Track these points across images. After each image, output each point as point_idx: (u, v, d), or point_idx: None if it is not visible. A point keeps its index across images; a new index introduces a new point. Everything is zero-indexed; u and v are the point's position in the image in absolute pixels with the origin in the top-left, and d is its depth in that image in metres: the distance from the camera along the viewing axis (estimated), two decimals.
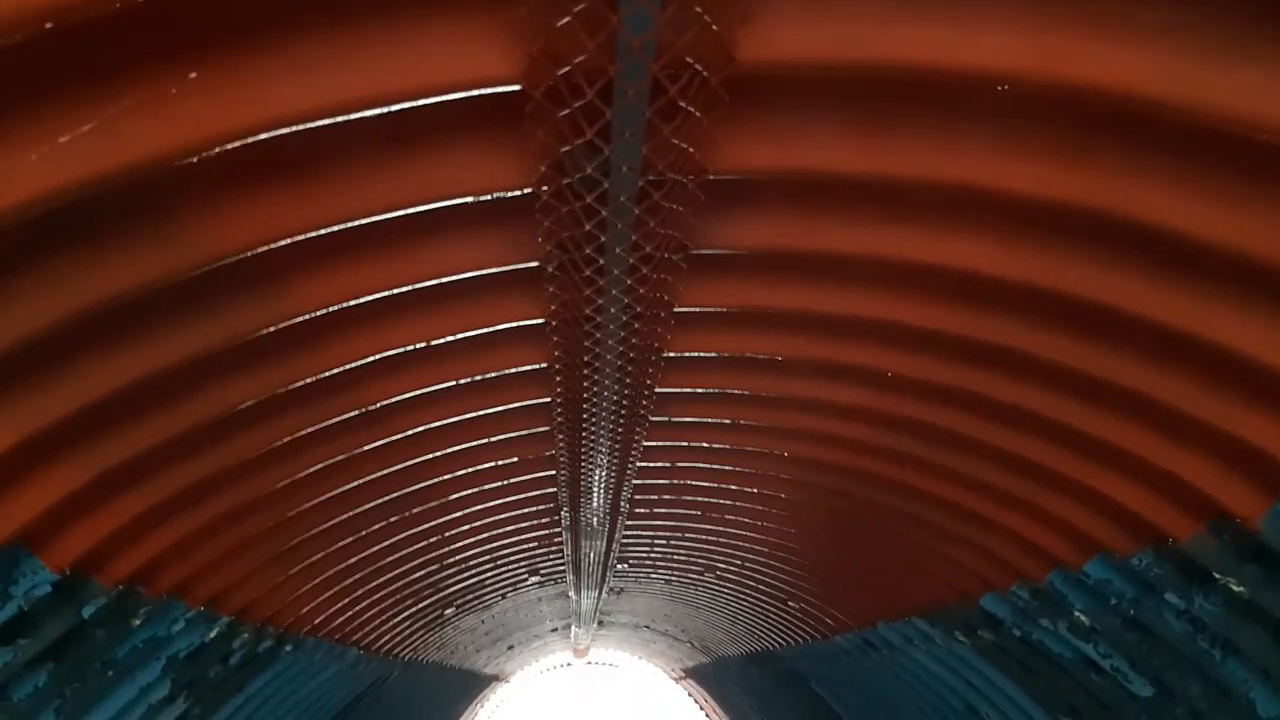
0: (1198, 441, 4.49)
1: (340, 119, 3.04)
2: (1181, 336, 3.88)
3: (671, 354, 5.45)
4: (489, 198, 3.70)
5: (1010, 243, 3.87)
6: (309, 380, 4.83)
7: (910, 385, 5.32)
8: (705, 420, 6.76)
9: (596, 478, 7.46)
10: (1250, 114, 2.88)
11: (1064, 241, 3.78)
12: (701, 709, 28.59)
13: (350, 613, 9.36)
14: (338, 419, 5.43)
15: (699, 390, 6.14)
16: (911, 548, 7.67)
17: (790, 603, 11.49)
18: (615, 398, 5.71)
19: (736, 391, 6.13)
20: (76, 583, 5.09)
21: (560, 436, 6.67)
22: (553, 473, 7.69)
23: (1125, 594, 5.82)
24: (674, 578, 12.90)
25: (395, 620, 10.93)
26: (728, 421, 6.74)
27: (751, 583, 11.51)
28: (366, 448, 6.00)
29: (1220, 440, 4.34)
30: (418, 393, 5.48)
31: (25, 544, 4.56)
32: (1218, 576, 5.00)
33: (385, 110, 3.06)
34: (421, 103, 3.08)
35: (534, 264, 4.30)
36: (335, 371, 4.85)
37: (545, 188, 3.58)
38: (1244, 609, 5.04)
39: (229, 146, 2.99)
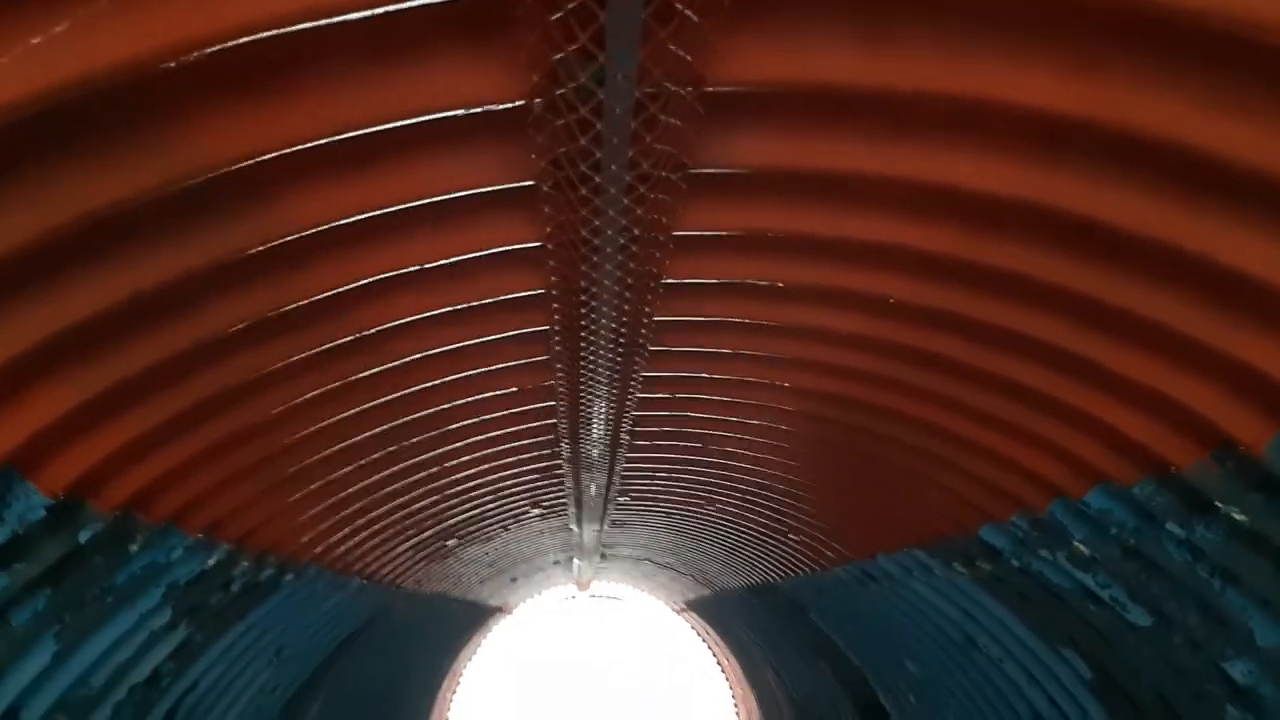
0: (1203, 367, 4.41)
1: (323, 22, 2.92)
2: (1189, 257, 3.78)
3: (670, 280, 5.35)
4: (480, 110, 3.59)
5: (1017, 159, 3.75)
6: (302, 303, 4.75)
7: (912, 311, 5.23)
8: (705, 350, 6.69)
9: (596, 409, 7.41)
10: (1270, 17, 2.76)
11: (1072, 158, 3.66)
12: (703, 640, 29.00)
13: (352, 542, 9.40)
14: (332, 344, 5.36)
15: (698, 318, 6.06)
16: (911, 478, 7.65)
17: (790, 535, 11.54)
18: (613, 325, 5.63)
19: (736, 320, 6.05)
20: (71, 507, 5.06)
21: (559, 366, 6.61)
22: (552, 403, 7.64)
23: (1126, 524, 5.79)
24: (675, 510, 12.95)
25: (397, 550, 10.99)
26: (728, 351, 6.66)
27: (752, 515, 11.54)
28: (363, 374, 5.94)
29: (1226, 366, 4.26)
30: (412, 318, 5.40)
31: (17, 467, 4.52)
32: (1219, 505, 4.96)
33: (370, 12, 2.94)
34: (408, 4, 2.96)
35: (529, 183, 4.20)
36: (327, 294, 4.77)
37: (538, 100, 3.47)
38: (1245, 538, 5.01)
39: (207, 51, 2.88)
